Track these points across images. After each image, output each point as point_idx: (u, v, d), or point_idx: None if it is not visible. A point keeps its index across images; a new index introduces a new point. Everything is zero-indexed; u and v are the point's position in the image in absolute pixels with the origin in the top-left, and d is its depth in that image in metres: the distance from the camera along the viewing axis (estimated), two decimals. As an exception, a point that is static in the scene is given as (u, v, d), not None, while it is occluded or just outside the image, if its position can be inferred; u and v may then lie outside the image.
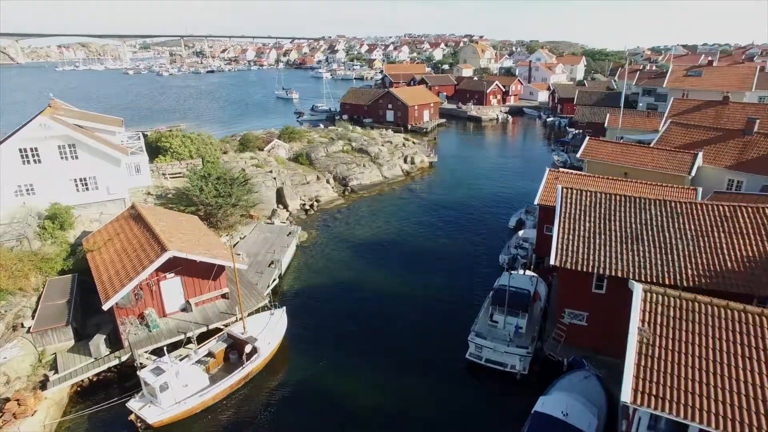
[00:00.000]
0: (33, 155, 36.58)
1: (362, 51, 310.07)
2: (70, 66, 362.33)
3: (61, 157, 37.31)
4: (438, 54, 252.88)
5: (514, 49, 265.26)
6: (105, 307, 24.73)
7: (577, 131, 76.37)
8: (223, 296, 29.90)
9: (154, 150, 53.35)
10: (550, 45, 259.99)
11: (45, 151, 36.73)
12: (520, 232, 41.11)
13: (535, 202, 34.49)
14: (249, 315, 28.71)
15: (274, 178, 51.77)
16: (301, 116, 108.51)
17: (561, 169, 38.05)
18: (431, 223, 46.72)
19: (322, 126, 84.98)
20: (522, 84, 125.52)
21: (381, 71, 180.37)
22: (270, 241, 39.10)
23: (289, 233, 40.51)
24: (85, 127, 39.65)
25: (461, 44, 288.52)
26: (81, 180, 38.51)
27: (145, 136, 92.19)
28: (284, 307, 29.36)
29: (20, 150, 36.19)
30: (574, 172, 35.80)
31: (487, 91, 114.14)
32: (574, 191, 26.06)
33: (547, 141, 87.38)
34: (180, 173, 50.33)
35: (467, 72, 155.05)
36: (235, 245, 38.04)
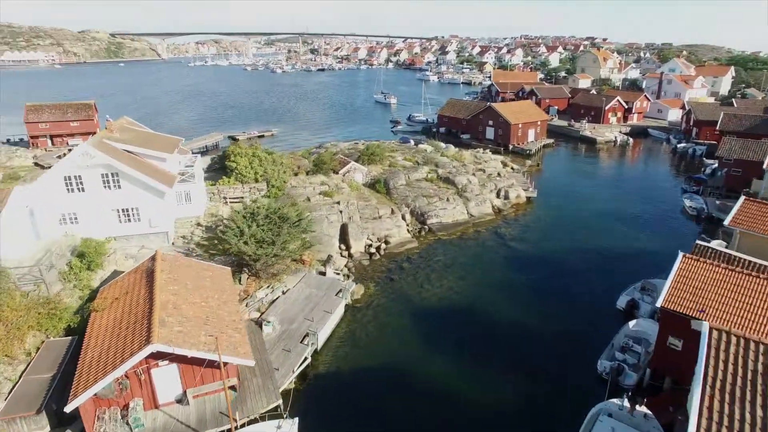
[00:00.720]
0: (77, 183, 33.93)
1: (473, 53, 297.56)
2: (201, 62, 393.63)
3: (105, 186, 34.37)
4: (554, 59, 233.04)
5: (642, 54, 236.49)
6: (67, 408, 19.90)
7: (717, 167, 61.05)
8: (232, 387, 24.08)
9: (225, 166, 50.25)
10: (687, 49, 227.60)
11: (89, 180, 33.98)
12: (631, 324, 30.68)
13: (658, 304, 24.48)
14: (249, 423, 22.55)
15: (341, 212, 45.71)
16: (396, 126, 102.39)
17: (703, 259, 27.06)
18: (515, 287, 37.49)
19: (411, 142, 77.88)
20: (649, 100, 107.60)
21: (489, 77, 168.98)
22: (314, 300, 32.85)
23: (339, 291, 33.95)
24: (135, 153, 36.41)
25: (581, 48, 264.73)
26: (123, 211, 35.34)
27: (235, 140, 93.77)
28: (296, 419, 22.66)
29: (65, 177, 33.73)
30: (728, 267, 24.75)
31: (606, 107, 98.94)
32: (734, 340, 16.07)
33: (676, 173, 72.04)
34: (241, 198, 46.22)
35: (584, 83, 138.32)
36: (272, 303, 32.39)
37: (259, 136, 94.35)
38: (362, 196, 50.74)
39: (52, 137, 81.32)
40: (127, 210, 35.33)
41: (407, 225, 47.60)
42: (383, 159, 58.40)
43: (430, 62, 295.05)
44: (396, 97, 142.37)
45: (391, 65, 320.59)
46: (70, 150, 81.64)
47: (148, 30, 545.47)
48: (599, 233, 47.66)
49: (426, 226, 47.80)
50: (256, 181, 47.88)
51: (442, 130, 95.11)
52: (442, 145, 73.98)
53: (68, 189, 33.90)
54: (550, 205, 55.55)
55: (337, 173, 54.39)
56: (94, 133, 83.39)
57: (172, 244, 37.09)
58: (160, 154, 36.55)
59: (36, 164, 70.84)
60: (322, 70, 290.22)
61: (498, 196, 54.87)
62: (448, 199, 50.93)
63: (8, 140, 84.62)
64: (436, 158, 61.33)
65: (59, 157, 75.96)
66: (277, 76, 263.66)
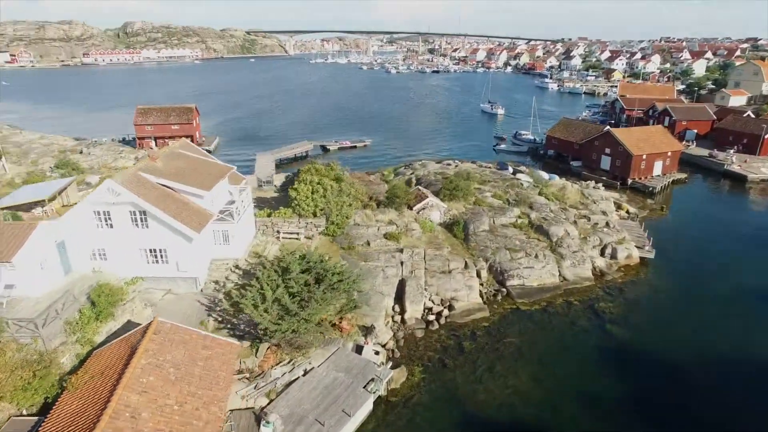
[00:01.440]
0: (106, 219, 31.21)
1: (602, 58, 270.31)
2: (321, 59, 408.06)
3: (133, 224, 31.20)
4: (699, 67, 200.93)
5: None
6: None
7: None
8: None
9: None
10: None
11: (117, 216, 31.16)
12: None
13: None
14: None
15: (402, 263, 38.97)
16: (500, 144, 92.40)
17: None
18: (611, 405, 27.89)
19: (509, 170, 68.20)
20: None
21: (615, 87, 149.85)
22: (336, 391, 26.61)
23: (371, 381, 27.35)
24: (172, 188, 32.98)
25: (737, 53, 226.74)
26: (151, 251, 32.02)
27: (326, 149, 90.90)
28: None
29: (95, 212, 31.17)
30: None
31: (766, 135, 79.75)
32: None
33: None
34: (297, 234, 41.53)
35: (737, 101, 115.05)
36: (286, 387, 26.77)
37: (351, 147, 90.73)
38: (434, 241, 43.46)
39: (156, 139, 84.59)
40: (155, 251, 32.05)
41: (481, 284, 39.43)
42: (467, 194, 50.28)
43: (551, 67, 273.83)
44: (503, 107, 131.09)
45: (509, 69, 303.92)
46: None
47: (279, 28, 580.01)
48: (749, 328, 35.33)
49: (504, 289, 39.22)
50: (315, 215, 42.85)
51: (550, 153, 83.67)
52: (545, 176, 63.58)
53: (98, 224, 31.38)
54: (673, 272, 43.47)
55: (411, 208, 47.60)
56: (192, 137, 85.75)
57: (201, 290, 33.23)
58: (197, 190, 32.78)
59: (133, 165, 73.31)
60: (437, 71, 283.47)
61: (602, 254, 44.17)
62: (536, 255, 41.66)
63: (123, 139, 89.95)
64: (531, 197, 51.72)
65: (157, 159, 78.78)
66: (391, 76, 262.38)
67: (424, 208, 47.46)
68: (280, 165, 78.55)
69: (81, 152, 76.36)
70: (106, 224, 31.34)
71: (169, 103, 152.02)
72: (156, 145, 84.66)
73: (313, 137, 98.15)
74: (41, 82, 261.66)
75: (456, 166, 72.27)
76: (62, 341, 26.86)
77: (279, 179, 60.99)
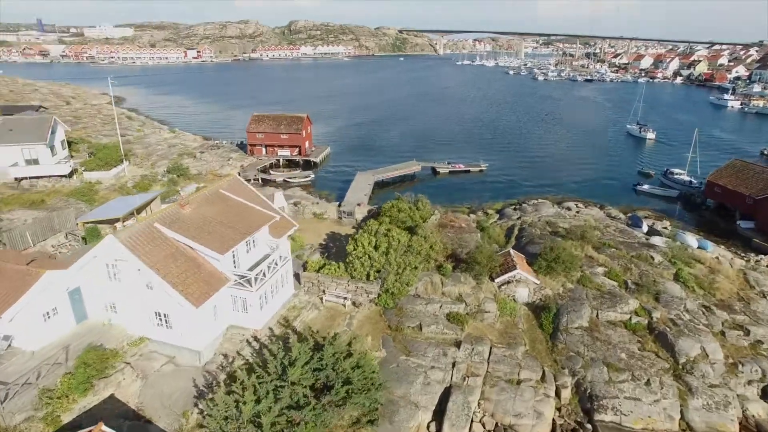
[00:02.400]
0: (114, 271, 28.20)
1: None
2: (468, 60, 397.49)
3: (139, 282, 27.70)
4: None
5: None
6: None
7: None
8: None
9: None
10: None
11: (124, 271, 27.84)
12: None
13: None
14: None
15: (454, 363, 30.41)
16: (642, 184, 75.20)
17: None
18: None
19: (643, 228, 53.81)
20: None
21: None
22: None
23: None
24: (187, 245, 28.80)
25: None
26: (156, 313, 28.27)
27: (435, 172, 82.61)
28: None
29: (106, 263, 28.35)
30: None
31: None
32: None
33: None
34: (344, 299, 35.40)
35: None
36: None
37: (465, 171, 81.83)
38: (510, 331, 33.86)
39: (266, 147, 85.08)
40: (159, 314, 28.23)
41: (558, 410, 29.09)
42: (572, 264, 39.00)
43: (737, 78, 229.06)
44: (655, 131, 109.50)
45: (679, 80, 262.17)
46: (277, 161, 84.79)
47: (432, 27, 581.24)
48: None
49: (589, 425, 28.39)
50: (368, 277, 36.08)
51: (710, 203, 65.74)
52: (692, 243, 48.45)
53: (108, 275, 28.51)
54: None
55: (493, 279, 38.24)
56: (300, 147, 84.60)
57: (204, 366, 28.66)
58: (211, 252, 28.11)
59: (239, 174, 73.75)
60: (590, 80, 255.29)
61: (763, 396, 30.28)
62: (649, 382, 29.72)
63: (241, 143, 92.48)
64: (661, 283, 38.44)
65: (262, 169, 78.80)
66: (537, 84, 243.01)
67: (508, 282, 37.70)
68: (383, 186, 73.26)
69: (195, 156, 79.43)
70: (115, 277, 28.34)
71: (307, 101, 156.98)
72: (266, 153, 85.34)
73: (430, 153, 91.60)
74: (210, 76, 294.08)
75: (576, 213, 59.67)
76: (28, 416, 24.05)
77: (362, 212, 55.26)
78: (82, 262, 28.36)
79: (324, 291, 36.08)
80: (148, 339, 29.38)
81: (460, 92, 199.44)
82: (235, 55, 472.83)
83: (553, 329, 34.03)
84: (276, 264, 32.27)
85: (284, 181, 74.55)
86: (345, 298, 35.29)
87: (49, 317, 28.29)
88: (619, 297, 36.25)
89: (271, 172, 78.26)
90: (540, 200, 65.21)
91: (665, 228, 55.93)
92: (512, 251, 40.65)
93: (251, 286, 29.49)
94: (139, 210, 51.03)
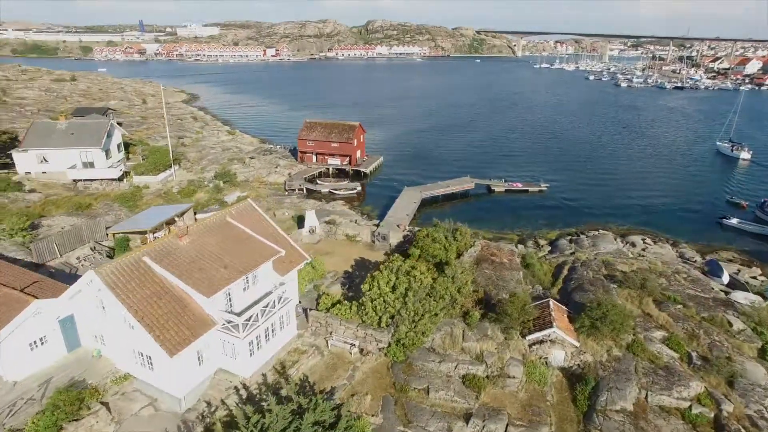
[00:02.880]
0: (101, 303, 26.81)
1: None
2: (546, 64, 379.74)
3: (122, 319, 26.08)
4: None
5: None
6: None
7: None
8: None
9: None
10: None
11: (109, 304, 26.32)
12: None
13: None
14: None
15: (462, 439, 26.08)
16: (729, 218, 64.17)
17: None
18: None
19: (723, 279, 45.67)
20: None
21: None
22: None
23: None
24: (174, 284, 26.71)
25: None
26: (139, 352, 26.53)
27: (491, 191, 76.79)
28: None
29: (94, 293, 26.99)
30: None
31: None
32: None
33: None
34: (351, 345, 32.19)
35: None
36: None
37: (522, 191, 75.58)
38: (534, 403, 28.88)
39: (316, 155, 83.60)
40: (142, 354, 26.37)
41: None
42: (623, 329, 32.94)
43: None
44: (751, 150, 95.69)
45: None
46: (327, 170, 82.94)
47: (511, 28, 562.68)
48: None
49: None
50: (380, 323, 32.45)
51: (814, 247, 55.43)
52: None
53: (97, 305, 27.12)
54: None
55: (524, 336, 33.23)
56: (350, 156, 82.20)
57: (183, 413, 26.44)
58: (197, 294, 25.79)
59: (284, 184, 72.64)
60: (680, 88, 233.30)
61: None
62: (707, 497, 23.72)
63: (293, 148, 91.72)
64: (738, 363, 31.34)
65: (309, 178, 77.20)
66: (619, 91, 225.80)
67: (541, 342, 32.51)
68: (431, 203, 69.15)
69: (244, 162, 79.42)
70: (103, 309, 26.86)
71: (371, 104, 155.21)
72: (317, 160, 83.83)
73: (488, 167, 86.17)
74: (284, 75, 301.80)
75: (642, 251, 52.36)
76: (-8, 460, 22.91)
77: (397, 237, 51.53)
78: (71, 291, 27.13)
79: (331, 333, 32.92)
80: (133, 377, 27.70)
81: (531, 99, 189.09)
82: (312, 54, 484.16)
83: (589, 408, 28.56)
84: (274, 306, 29.47)
85: (330, 192, 72.42)
86: (352, 345, 31.90)
87: (36, 346, 27.36)
88: (679, 375, 29.92)
89: (318, 181, 76.45)
90: (601, 232, 58.10)
91: (754, 279, 47.35)
92: (552, 303, 35.24)
93: (239, 332, 26.86)
94: (171, 221, 50.75)
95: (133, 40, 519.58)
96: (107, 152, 65.91)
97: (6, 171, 63.72)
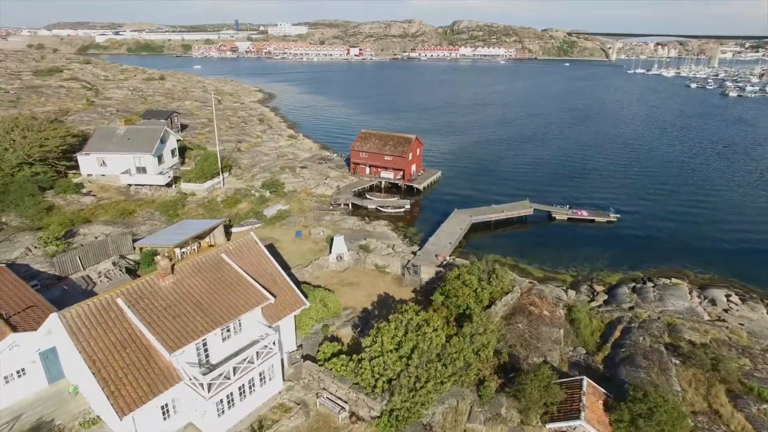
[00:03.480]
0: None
1: None
2: (642, 69, 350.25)
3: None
4: None
5: None
6: None
7: None
8: None
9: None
10: None
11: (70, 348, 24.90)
12: None
13: None
14: None
15: None
16: None
17: None
18: None
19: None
20: None
21: None
22: None
23: None
24: (144, 332, 24.66)
25: None
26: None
27: (551, 218, 68.94)
28: None
29: (68, 329, 25.70)
30: None
31: None
32: None
33: None
34: (342, 409, 28.88)
35: None
36: None
37: (588, 220, 67.71)
38: None
39: (369, 167, 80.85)
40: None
41: None
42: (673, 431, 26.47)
43: None
44: None
45: None
46: (379, 183, 79.67)
47: (606, 29, 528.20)
48: None
49: None
50: (374, 387, 28.61)
51: None
52: None
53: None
54: None
55: (545, 423, 27.89)
56: (404, 171, 78.38)
57: (142, 477, 24.35)
58: (161, 347, 23.49)
59: (332, 197, 70.39)
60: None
61: None
62: None
63: (348, 159, 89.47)
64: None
65: (358, 192, 74.47)
66: (726, 101, 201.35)
67: None
68: (482, 228, 63.82)
69: (295, 171, 78.37)
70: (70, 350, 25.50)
71: (442, 111, 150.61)
72: (370, 172, 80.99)
73: (553, 189, 78.64)
74: (365, 75, 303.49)
75: (723, 312, 43.81)
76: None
77: (429, 272, 47.12)
78: (45, 328, 26.03)
79: (325, 389, 29.60)
80: (103, 421, 26.13)
81: (617, 110, 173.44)
82: (395, 54, 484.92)
83: None
84: (253, 361, 26.63)
85: (376, 209, 69.22)
86: (342, 408, 28.34)
87: (12, 379, 26.61)
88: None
89: (367, 195, 73.51)
90: (674, 280, 49.73)
91: None
92: (586, 382, 29.35)
93: (205, 392, 24.27)
94: (201, 236, 50.10)
95: (228, 38, 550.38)
96: (160, 158, 67.36)
97: (74, 171, 67.22)
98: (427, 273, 45.82)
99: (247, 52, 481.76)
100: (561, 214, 68.45)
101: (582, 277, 51.89)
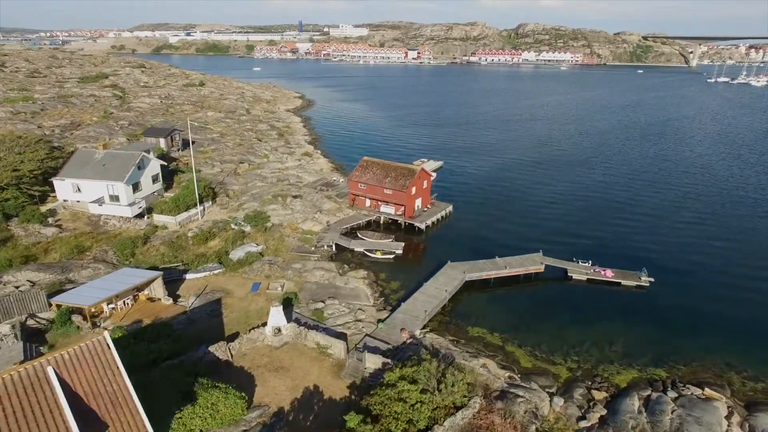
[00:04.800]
0: None
1: None
2: (725, 77, 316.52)
3: None
4: None
5: None
6: None
7: None
8: None
9: None
10: None
11: None
12: None
13: None
14: None
15: None
16: None
17: None
18: None
19: None
20: None
21: None
22: None
23: None
24: None
25: None
26: None
27: (568, 277, 56.58)
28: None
29: None
30: None
31: None
32: None
33: None
34: None
35: None
36: None
37: (613, 283, 56.09)
38: None
39: (370, 200, 72.89)
40: None
41: None
42: None
43: None
44: None
45: None
46: (377, 219, 71.31)
47: (688, 32, 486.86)
48: None
49: None
50: None
51: None
52: None
53: None
54: None
55: None
56: (404, 207, 69.57)
57: None
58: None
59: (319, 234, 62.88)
60: None
61: None
62: None
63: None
64: None
65: (350, 229, 66.72)
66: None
67: None
68: (480, 287, 54.27)
69: (287, 200, 71.75)
70: None
71: (484, 127, 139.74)
72: (370, 205, 72.97)
73: (569, 240, 66.78)
74: (418, 80, 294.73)
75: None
76: None
77: (375, 361, 38.50)
78: None
79: None
80: None
81: (685, 129, 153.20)
82: (454, 58, 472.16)
83: None
84: None
85: (363, 253, 61.19)
86: None
87: None
88: None
89: (359, 234, 65.59)
90: (707, 392, 37.92)
91: None
92: None
93: None
94: (140, 288, 44.55)
95: (291, 39, 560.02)
96: (136, 185, 62.99)
97: (54, 195, 64.27)
98: (372, 363, 37.21)
99: (306, 53, 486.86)
100: (580, 272, 57.14)
101: (583, 372, 41.14)
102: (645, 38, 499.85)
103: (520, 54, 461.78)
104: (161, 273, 45.61)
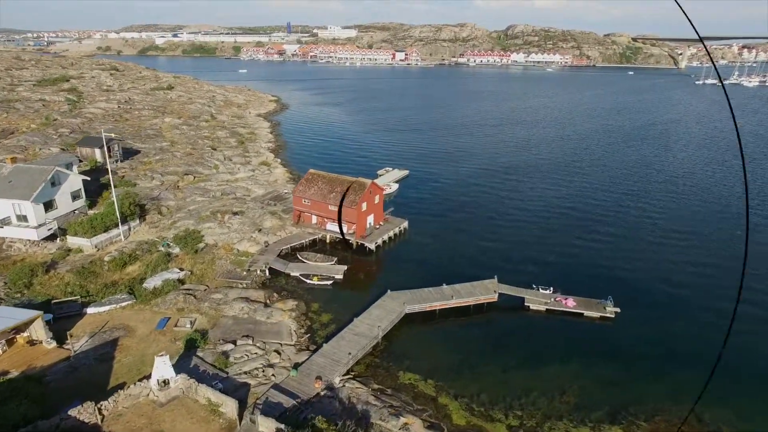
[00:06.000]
0: None
1: None
2: (712, 79, 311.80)
3: None
4: None
5: None
6: None
7: None
8: None
9: None
10: None
11: None
12: None
13: None
14: None
15: None
16: None
17: None
18: None
19: None
20: None
21: None
22: None
23: None
24: None
25: None
26: None
27: (525, 305, 49.98)
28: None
29: None
30: None
31: None
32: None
33: None
34: None
35: None
36: None
37: (575, 314, 50.29)
38: None
39: (316, 216, 66.75)
40: None
41: None
42: None
43: None
44: None
45: None
46: (323, 238, 65.17)
47: (675, 34, 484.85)
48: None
49: None
50: None
51: None
52: None
53: None
54: None
55: None
56: (348, 225, 63.52)
57: None
58: None
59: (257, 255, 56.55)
60: None
61: None
62: None
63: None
64: None
65: (289, 251, 60.65)
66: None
67: None
68: (423, 320, 48.33)
69: (225, 218, 65.48)
70: None
71: (462, 127, 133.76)
72: (316, 222, 66.83)
73: (532, 261, 61.01)
74: (404, 82, 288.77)
75: None
76: None
77: (269, 428, 32.37)
78: None
79: None
80: None
81: (670, 133, 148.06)
82: (442, 59, 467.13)
83: None
84: None
85: (299, 278, 55.12)
86: None
87: None
88: None
89: (299, 256, 59.54)
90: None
91: None
92: None
93: None
94: (20, 329, 38.26)
95: (279, 40, 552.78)
96: (49, 204, 56.58)
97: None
98: (266, 427, 31.06)
99: (293, 55, 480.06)
100: (538, 302, 51.27)
101: (525, 431, 35.24)
102: (635, 39, 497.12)
103: (509, 55, 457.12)
104: (41, 313, 39.25)
